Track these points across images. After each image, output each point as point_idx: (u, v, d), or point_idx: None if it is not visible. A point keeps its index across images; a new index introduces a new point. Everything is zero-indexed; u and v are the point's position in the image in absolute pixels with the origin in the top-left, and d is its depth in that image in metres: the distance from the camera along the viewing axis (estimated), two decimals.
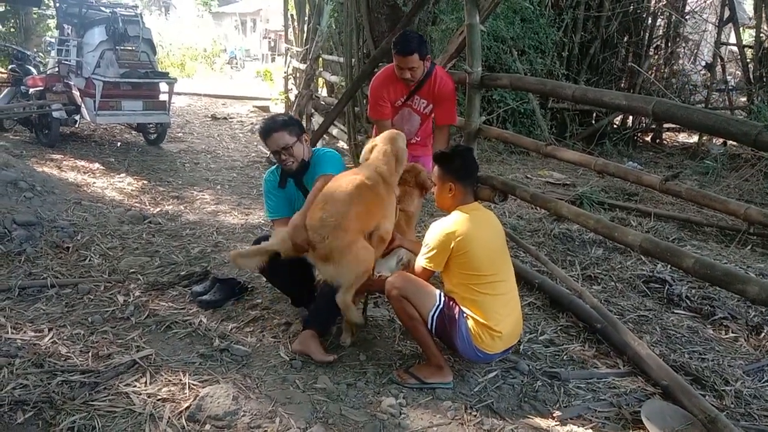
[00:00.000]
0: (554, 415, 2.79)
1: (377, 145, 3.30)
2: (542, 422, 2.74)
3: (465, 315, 2.83)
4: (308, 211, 3.08)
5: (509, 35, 9.21)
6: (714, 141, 10.26)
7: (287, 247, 3.10)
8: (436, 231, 2.87)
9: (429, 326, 2.86)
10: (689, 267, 2.40)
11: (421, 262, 2.93)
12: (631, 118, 11.09)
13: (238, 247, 4.77)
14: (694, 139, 10.87)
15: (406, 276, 2.96)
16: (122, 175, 7.28)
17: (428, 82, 3.90)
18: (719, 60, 10.68)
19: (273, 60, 25.23)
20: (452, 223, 2.85)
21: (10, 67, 9.37)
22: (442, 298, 2.87)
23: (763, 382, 3.19)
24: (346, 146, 8.09)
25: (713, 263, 2.39)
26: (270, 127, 3.35)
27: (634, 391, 3.02)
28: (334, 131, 8.72)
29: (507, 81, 3.73)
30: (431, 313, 2.83)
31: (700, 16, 11.41)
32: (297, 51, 11.27)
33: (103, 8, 8.86)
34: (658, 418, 2.68)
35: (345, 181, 3.10)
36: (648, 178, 2.93)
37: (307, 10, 10.67)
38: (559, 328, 3.67)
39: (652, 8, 10.96)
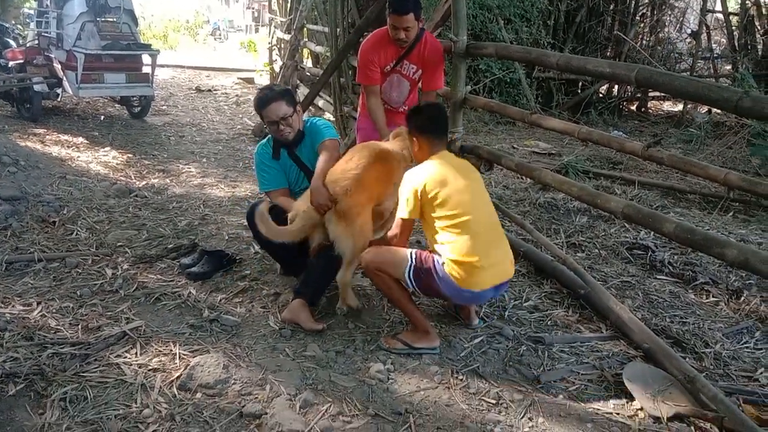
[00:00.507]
0: (538, 377, 2.85)
1: (403, 132, 3.43)
2: (526, 385, 2.81)
3: (441, 262, 2.85)
4: (325, 173, 3.17)
5: (495, 3, 9.14)
6: (698, 109, 10.31)
7: (311, 216, 3.15)
8: (405, 180, 2.93)
9: (410, 286, 2.92)
10: (670, 232, 2.44)
11: (399, 214, 2.98)
12: (616, 87, 11.11)
13: (225, 220, 4.81)
14: (679, 107, 10.92)
15: (377, 249, 3.03)
16: (107, 148, 7.22)
17: (417, 47, 3.89)
18: (705, 28, 10.68)
19: (257, 31, 24.84)
20: (419, 170, 2.92)
21: None
22: (413, 256, 2.92)
23: (742, 344, 3.28)
24: (332, 117, 8.05)
25: (693, 228, 2.44)
26: (268, 97, 3.35)
27: (616, 354, 3.09)
28: (320, 102, 8.66)
29: (492, 50, 3.72)
30: (406, 273, 2.89)
31: None
32: (281, 21, 11.13)
33: None
34: (640, 380, 2.76)
35: (374, 144, 3.32)
36: (630, 146, 2.96)
37: None
38: (543, 294, 3.74)
39: None
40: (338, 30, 7.58)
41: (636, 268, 4.26)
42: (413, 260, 2.90)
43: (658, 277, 4.11)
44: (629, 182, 6.33)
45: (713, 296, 3.86)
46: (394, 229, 3.03)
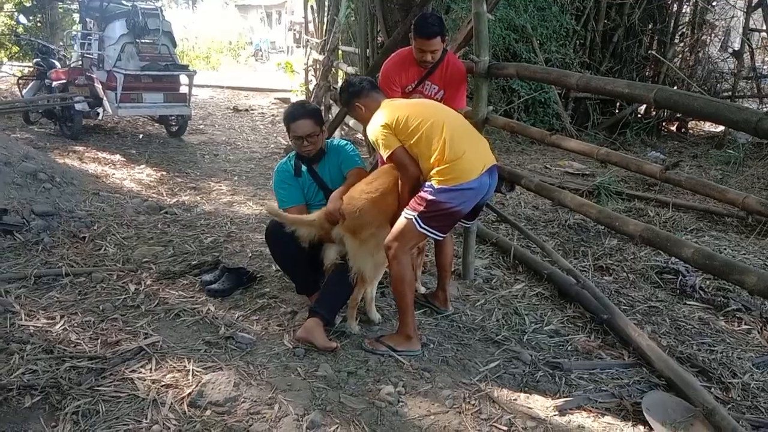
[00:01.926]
0: (554, 405, 2.77)
1: None
2: (541, 412, 2.73)
3: (428, 185, 2.96)
4: (347, 190, 3.26)
5: (528, 23, 9.10)
6: None
7: (321, 218, 3.23)
8: (371, 131, 3.11)
9: (431, 234, 3.01)
10: (689, 257, 2.36)
11: (386, 155, 3.07)
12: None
13: (250, 237, 4.85)
14: (720, 128, 10.62)
15: (388, 237, 3.09)
16: (142, 166, 7.39)
17: (440, 67, 3.87)
18: (747, 47, 10.40)
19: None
20: (374, 119, 3.12)
21: (34, 61, 9.53)
22: (410, 211, 2.99)
23: None
24: (362, 137, 8.08)
25: (712, 253, 2.35)
26: (298, 113, 3.43)
27: (637, 382, 2.99)
28: (351, 122, 8.71)
29: (513, 70, 3.68)
30: (419, 227, 2.96)
31: (727, 2, 11.10)
32: (317, 42, 11.29)
33: (124, 2, 8.97)
34: (660, 410, 2.66)
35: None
36: (648, 168, 2.88)
37: (326, 2, 10.67)
38: (565, 318, 3.65)
39: None
40: (368, 51, 7.64)
41: (665, 293, 4.13)
42: (413, 212, 2.97)
43: (687, 302, 3.98)
44: (664, 204, 6.17)
45: (745, 324, 3.72)
46: (401, 179, 3.12)
